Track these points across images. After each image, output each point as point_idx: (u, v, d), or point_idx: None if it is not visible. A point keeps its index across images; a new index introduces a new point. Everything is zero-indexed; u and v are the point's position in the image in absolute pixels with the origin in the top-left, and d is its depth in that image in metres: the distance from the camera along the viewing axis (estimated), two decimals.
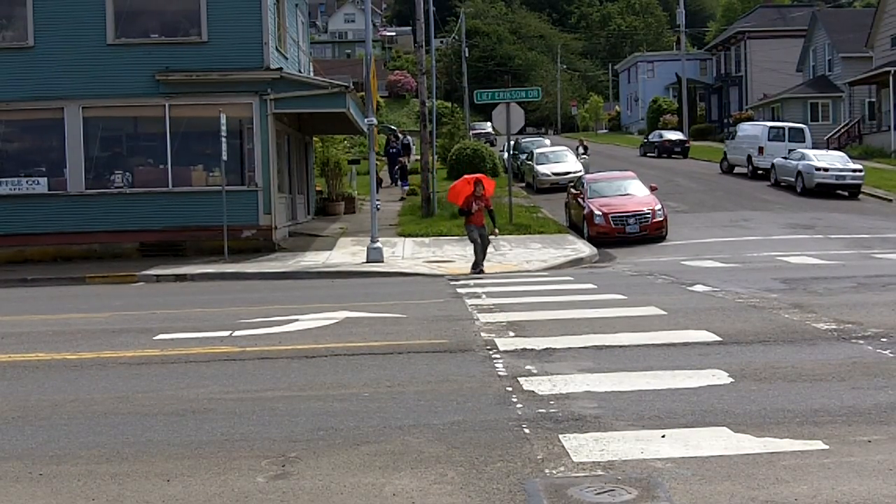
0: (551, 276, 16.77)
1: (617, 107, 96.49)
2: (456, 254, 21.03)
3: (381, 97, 72.45)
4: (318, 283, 17.06)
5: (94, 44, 21.80)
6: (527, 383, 7.21)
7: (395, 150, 40.20)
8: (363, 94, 22.91)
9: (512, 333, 9.64)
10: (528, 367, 7.87)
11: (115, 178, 22.13)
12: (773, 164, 35.07)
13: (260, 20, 21.95)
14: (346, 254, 21.45)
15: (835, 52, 53.33)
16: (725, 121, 65.55)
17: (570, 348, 8.64)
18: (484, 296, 13.17)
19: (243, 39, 21.93)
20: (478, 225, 18.14)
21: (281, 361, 8.55)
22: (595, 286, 14.03)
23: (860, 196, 31.85)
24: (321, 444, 5.73)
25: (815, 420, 5.94)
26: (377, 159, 29.25)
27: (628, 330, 9.54)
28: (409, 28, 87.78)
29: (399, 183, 37.94)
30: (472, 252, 18.45)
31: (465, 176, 19.02)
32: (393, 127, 58.66)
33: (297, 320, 11.11)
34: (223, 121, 20.26)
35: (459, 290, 14.04)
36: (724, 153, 41.54)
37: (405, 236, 24.61)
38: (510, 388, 7.08)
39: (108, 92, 21.76)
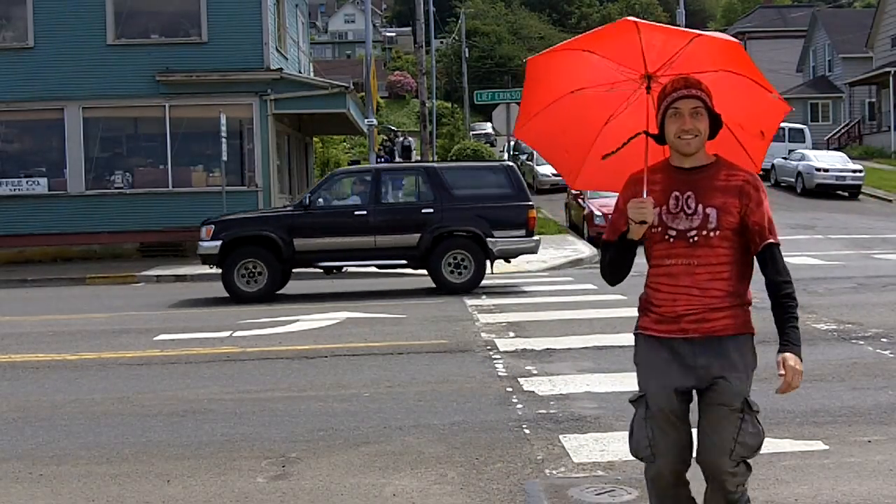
0: (551, 276, 16.75)
1: None
2: None
3: (381, 97, 72.51)
4: (319, 283, 17.05)
5: (94, 44, 21.79)
6: (527, 384, 7.21)
7: (383, 159, 35.84)
8: (363, 94, 22.94)
9: (512, 334, 9.64)
10: (528, 367, 7.87)
11: (115, 178, 22.12)
12: (772, 165, 35.04)
13: (260, 20, 21.95)
14: None
15: (835, 53, 53.30)
16: None
17: (570, 349, 8.64)
18: (484, 296, 13.17)
19: (243, 40, 21.92)
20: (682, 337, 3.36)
21: (281, 362, 8.55)
22: (595, 286, 14.02)
23: (860, 196, 31.84)
24: (321, 444, 5.73)
25: (815, 420, 5.94)
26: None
27: (628, 330, 9.49)
28: (409, 28, 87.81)
29: None
30: None
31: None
32: (393, 128, 58.62)
33: (297, 321, 11.11)
34: (223, 121, 20.25)
35: None
36: None
37: None
38: (510, 389, 7.08)
39: (108, 92, 21.74)
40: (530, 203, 14.30)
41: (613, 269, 3.52)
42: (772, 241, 3.37)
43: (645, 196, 3.30)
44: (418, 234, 13.83)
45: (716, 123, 3.34)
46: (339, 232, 13.85)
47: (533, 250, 14.46)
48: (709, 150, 3.40)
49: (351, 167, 17.41)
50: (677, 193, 3.33)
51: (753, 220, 3.32)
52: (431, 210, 13.95)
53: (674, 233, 3.32)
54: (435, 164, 15.23)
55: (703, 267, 3.28)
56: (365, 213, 13.96)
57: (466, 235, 13.93)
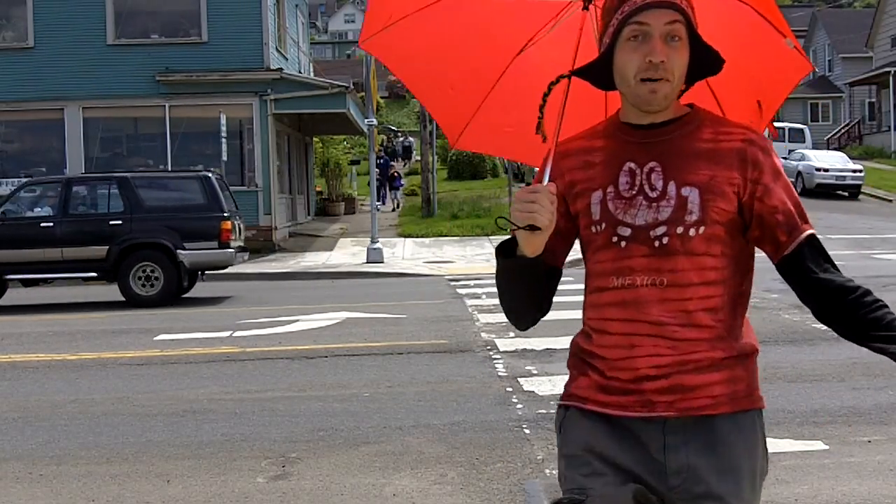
0: None
1: None
2: (456, 254, 21.02)
3: (381, 97, 72.42)
4: (319, 283, 17.06)
5: (94, 44, 21.81)
6: (527, 384, 7.21)
7: (382, 160, 35.52)
8: (363, 94, 22.92)
9: (512, 334, 9.63)
10: (528, 367, 7.87)
11: None
12: None
13: (260, 20, 21.97)
14: (347, 254, 21.45)
15: (835, 53, 53.33)
16: None
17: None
18: (484, 296, 13.17)
19: (243, 39, 21.95)
20: None
21: (281, 362, 8.55)
22: None
23: (860, 196, 31.86)
24: (321, 444, 5.73)
25: (815, 420, 5.94)
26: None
27: None
28: None
29: (390, 195, 34.96)
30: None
31: None
32: (393, 127, 58.62)
33: (297, 321, 11.12)
34: (223, 121, 20.27)
35: (459, 291, 14.04)
36: None
37: (405, 237, 24.62)
38: (510, 389, 7.08)
39: (108, 92, 21.76)
40: (224, 214, 13.92)
41: (512, 303, 2.23)
42: (809, 231, 2.04)
43: (546, 181, 1.90)
44: (107, 247, 13.68)
45: (702, 61, 1.91)
46: (24, 244, 13.67)
47: (226, 263, 14.10)
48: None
49: (41, 178, 17.26)
50: (632, 165, 1.94)
51: (772, 204, 1.91)
52: (120, 221, 13.75)
53: (627, 231, 1.93)
54: (127, 174, 14.75)
55: (677, 289, 1.89)
56: (51, 224, 13.77)
57: (155, 247, 13.73)
